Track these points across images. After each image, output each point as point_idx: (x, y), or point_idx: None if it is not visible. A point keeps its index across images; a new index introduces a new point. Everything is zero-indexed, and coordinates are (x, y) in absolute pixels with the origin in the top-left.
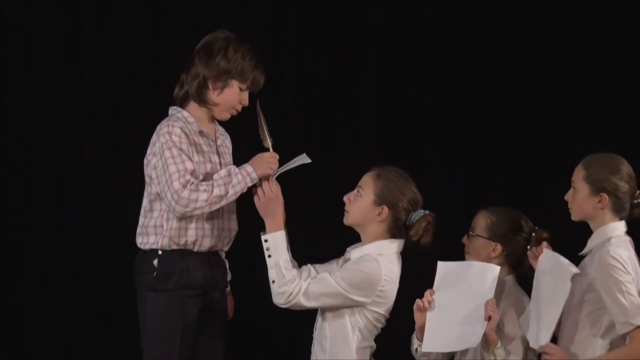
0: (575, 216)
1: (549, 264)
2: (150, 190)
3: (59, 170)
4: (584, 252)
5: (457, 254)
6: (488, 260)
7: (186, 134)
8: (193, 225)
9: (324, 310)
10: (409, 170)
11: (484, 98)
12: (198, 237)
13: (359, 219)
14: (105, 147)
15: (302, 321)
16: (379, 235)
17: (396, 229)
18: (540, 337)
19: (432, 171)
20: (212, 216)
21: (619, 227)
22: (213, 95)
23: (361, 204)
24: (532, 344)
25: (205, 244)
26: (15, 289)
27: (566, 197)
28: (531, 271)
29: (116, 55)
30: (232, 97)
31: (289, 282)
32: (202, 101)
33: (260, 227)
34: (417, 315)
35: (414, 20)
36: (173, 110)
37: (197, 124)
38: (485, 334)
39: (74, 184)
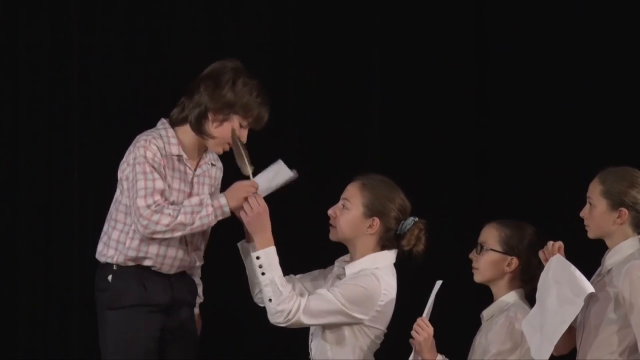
0: (592, 233)
1: (563, 274)
2: (120, 199)
3: (49, 172)
4: (602, 271)
5: (460, 264)
6: (501, 275)
7: (162, 154)
8: (154, 250)
9: (323, 329)
10: (413, 179)
11: (493, 107)
12: (157, 263)
13: (349, 233)
14: (96, 151)
15: (287, 337)
16: (370, 248)
17: (387, 240)
18: (542, 351)
19: (437, 181)
20: (175, 245)
21: (637, 243)
22: (211, 127)
23: (349, 217)
24: (533, 354)
25: (164, 270)
26: (4, 291)
27: (582, 214)
28: None
29: (108, 59)
30: (229, 132)
31: (287, 299)
32: (200, 131)
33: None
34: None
35: (420, 23)
36: (160, 124)
37: (179, 147)
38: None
39: (64, 189)
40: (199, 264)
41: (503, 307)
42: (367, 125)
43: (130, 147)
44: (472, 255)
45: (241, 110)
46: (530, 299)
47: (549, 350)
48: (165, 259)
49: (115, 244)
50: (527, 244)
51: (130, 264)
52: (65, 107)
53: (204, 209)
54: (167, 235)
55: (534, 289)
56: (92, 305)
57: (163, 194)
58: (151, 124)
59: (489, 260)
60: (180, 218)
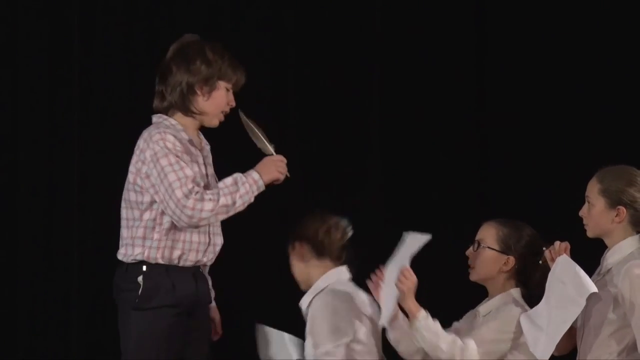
0: (591, 232)
1: (568, 273)
2: (138, 199)
3: (49, 173)
4: (602, 271)
5: (460, 264)
6: (497, 274)
7: (179, 141)
8: (181, 237)
9: None
10: (414, 182)
11: (494, 107)
12: (185, 250)
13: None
14: (96, 151)
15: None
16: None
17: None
18: (544, 351)
19: (439, 183)
20: (198, 229)
21: (638, 242)
22: (202, 101)
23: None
24: (534, 352)
25: (191, 258)
26: (4, 292)
27: (581, 213)
28: (539, 288)
29: (108, 58)
30: (221, 99)
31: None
32: (189, 110)
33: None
34: None
35: (419, 25)
36: (158, 117)
37: (186, 132)
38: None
39: (64, 189)
40: (219, 246)
41: (500, 305)
42: (368, 125)
43: (141, 145)
44: (469, 252)
45: (223, 76)
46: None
47: (550, 350)
48: (192, 244)
49: (142, 241)
50: (525, 244)
51: (160, 260)
52: (65, 107)
53: (241, 187)
54: (212, 220)
55: (531, 292)
56: (92, 305)
57: (195, 180)
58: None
59: (486, 258)
60: (222, 200)
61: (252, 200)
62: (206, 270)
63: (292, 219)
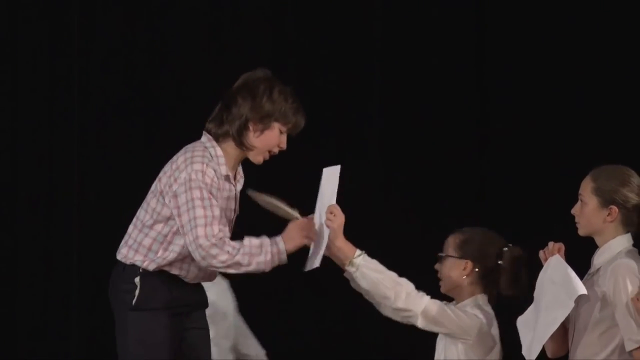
0: (582, 231)
1: (559, 274)
2: (158, 208)
3: (49, 172)
4: (591, 270)
5: None
6: (460, 280)
7: (217, 176)
8: (184, 266)
9: None
10: (415, 182)
11: (494, 109)
12: (182, 274)
13: None
14: (96, 151)
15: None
16: None
17: None
18: (532, 351)
19: (439, 183)
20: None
21: (627, 241)
22: (252, 137)
23: None
24: (524, 353)
25: (190, 277)
26: (4, 291)
27: (573, 211)
28: (509, 293)
29: (108, 59)
30: (272, 140)
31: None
32: (242, 143)
33: None
34: None
35: (420, 25)
36: (208, 142)
37: (227, 167)
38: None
39: (64, 188)
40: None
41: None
42: (368, 125)
43: (180, 163)
44: (436, 266)
45: (280, 118)
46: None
47: (537, 350)
48: (190, 273)
49: (146, 251)
50: (481, 246)
51: (157, 270)
52: (65, 107)
53: (263, 254)
54: (221, 270)
55: (499, 296)
56: (92, 305)
57: (221, 221)
58: (151, 123)
59: (447, 266)
60: (238, 258)
61: (268, 270)
62: None
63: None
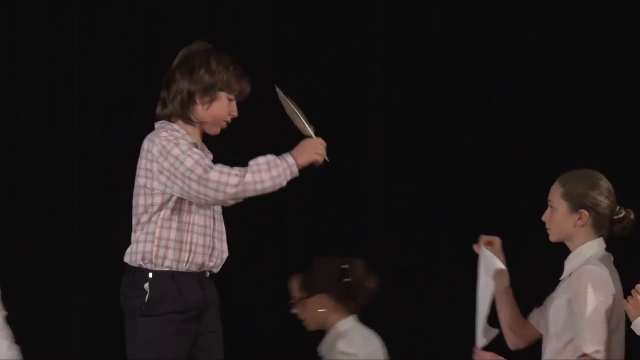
0: (553, 237)
1: (485, 262)
2: (148, 202)
3: (49, 176)
4: (563, 276)
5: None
6: (321, 315)
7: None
8: (187, 238)
9: None
10: (417, 182)
11: (495, 108)
12: (191, 252)
13: None
14: (96, 150)
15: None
16: None
17: None
18: (477, 339)
19: (439, 183)
20: (204, 233)
21: (598, 245)
22: (201, 110)
23: None
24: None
25: (197, 261)
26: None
27: (543, 218)
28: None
29: (107, 61)
30: (221, 109)
31: None
32: (188, 118)
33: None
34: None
35: (420, 24)
36: (161, 123)
37: (190, 136)
38: None
39: (64, 193)
40: (226, 254)
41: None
42: (368, 126)
43: (147, 145)
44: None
45: (225, 87)
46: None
47: (480, 337)
48: (197, 247)
49: (152, 238)
50: (323, 278)
51: (167, 262)
52: (65, 107)
53: (273, 168)
54: (240, 196)
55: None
56: (92, 305)
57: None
58: (151, 122)
59: (307, 307)
60: (249, 177)
61: (284, 184)
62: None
63: (291, 222)
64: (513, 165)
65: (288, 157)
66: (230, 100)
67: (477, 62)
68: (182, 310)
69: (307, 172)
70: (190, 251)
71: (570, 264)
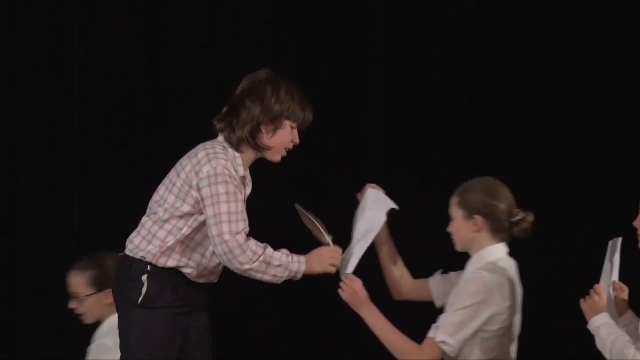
0: (458, 246)
1: (371, 201)
2: (177, 204)
3: (48, 176)
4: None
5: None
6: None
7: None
8: (198, 259)
9: None
10: (414, 184)
11: (494, 110)
12: (195, 271)
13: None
14: (96, 149)
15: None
16: None
17: None
18: (348, 266)
19: (439, 183)
20: (210, 258)
21: (498, 250)
22: (266, 138)
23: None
24: (341, 273)
25: (197, 278)
26: (4, 291)
27: (447, 229)
28: None
29: (108, 58)
30: (285, 137)
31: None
32: (257, 145)
33: None
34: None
35: (419, 23)
36: (225, 143)
37: (242, 168)
38: None
39: (64, 192)
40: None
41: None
42: (368, 127)
43: (202, 157)
44: None
45: (290, 116)
46: None
47: (353, 265)
48: (205, 269)
49: (160, 243)
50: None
51: (169, 266)
52: (65, 107)
53: (282, 269)
54: (237, 271)
55: None
56: None
57: (245, 216)
58: (151, 121)
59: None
60: (255, 265)
61: (279, 283)
62: None
63: (291, 221)
64: (513, 164)
65: (302, 265)
66: (292, 128)
67: (477, 62)
68: (177, 304)
69: (308, 172)
70: (192, 268)
71: (467, 270)
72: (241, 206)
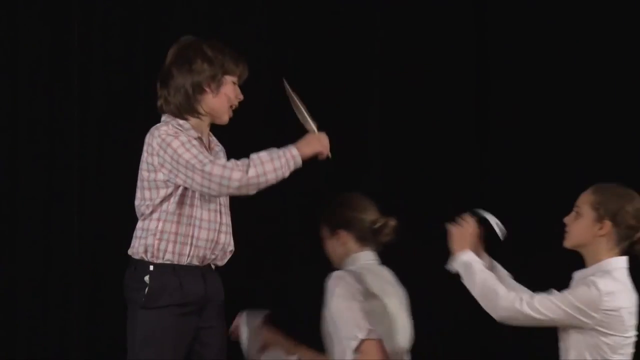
0: (333, 263)
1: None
2: (153, 195)
3: (48, 175)
4: None
5: None
6: None
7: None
8: (190, 232)
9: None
10: (415, 186)
11: (494, 113)
12: (193, 245)
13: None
14: (96, 148)
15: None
16: None
17: None
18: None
19: (438, 184)
20: (208, 228)
21: (362, 258)
22: (211, 99)
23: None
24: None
25: (199, 254)
26: (4, 290)
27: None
28: None
29: (108, 57)
30: (230, 94)
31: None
32: (195, 111)
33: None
34: None
35: (419, 22)
36: (168, 118)
37: (194, 130)
38: None
39: (64, 190)
40: (232, 247)
41: None
42: (368, 129)
43: (148, 139)
44: None
45: (227, 71)
46: None
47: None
48: (200, 240)
49: (154, 232)
50: None
51: (169, 255)
52: (64, 107)
53: (276, 160)
54: (243, 191)
55: None
56: (92, 304)
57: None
58: (152, 121)
59: None
60: (251, 171)
61: (287, 175)
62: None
63: (289, 221)
64: (512, 164)
65: (292, 149)
66: (234, 83)
67: (478, 61)
68: (181, 303)
69: (307, 173)
70: (192, 245)
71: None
72: (201, 149)
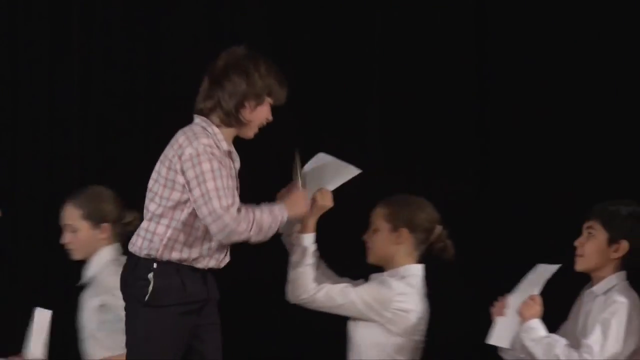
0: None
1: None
2: (166, 194)
3: (48, 174)
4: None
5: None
6: None
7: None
8: (204, 244)
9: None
10: (415, 186)
11: (493, 112)
12: (202, 255)
13: None
14: (96, 148)
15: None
16: None
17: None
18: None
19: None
20: (213, 239)
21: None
22: (248, 113)
23: None
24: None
25: (205, 263)
26: (4, 290)
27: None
28: None
29: (108, 57)
30: (263, 114)
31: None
32: (237, 120)
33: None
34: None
35: (419, 21)
36: (204, 122)
37: (226, 142)
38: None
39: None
40: (228, 258)
41: None
42: (368, 126)
43: (182, 141)
44: None
45: (272, 93)
46: None
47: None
48: (211, 251)
49: (160, 239)
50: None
51: (174, 259)
52: (65, 106)
53: (275, 225)
54: (243, 238)
55: None
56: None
57: (234, 192)
58: (151, 120)
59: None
60: (254, 232)
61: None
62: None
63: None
64: (512, 165)
65: (284, 214)
66: (270, 105)
67: (477, 60)
68: (184, 302)
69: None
70: (198, 254)
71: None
72: (227, 181)
